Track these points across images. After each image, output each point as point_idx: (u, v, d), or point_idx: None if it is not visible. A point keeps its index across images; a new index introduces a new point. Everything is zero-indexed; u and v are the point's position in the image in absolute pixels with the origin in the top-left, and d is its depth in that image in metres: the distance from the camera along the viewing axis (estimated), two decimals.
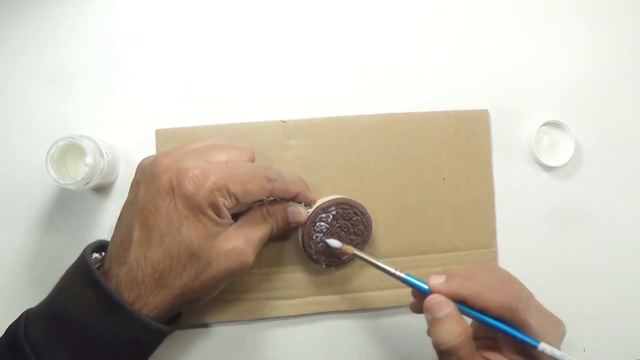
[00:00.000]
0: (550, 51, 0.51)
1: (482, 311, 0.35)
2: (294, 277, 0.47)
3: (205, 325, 0.47)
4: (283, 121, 0.47)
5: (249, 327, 0.47)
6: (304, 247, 0.44)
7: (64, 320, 0.36)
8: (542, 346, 0.34)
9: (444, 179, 0.49)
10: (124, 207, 0.40)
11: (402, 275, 0.38)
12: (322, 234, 0.44)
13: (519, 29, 0.51)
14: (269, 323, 0.47)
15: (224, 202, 0.37)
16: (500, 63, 0.51)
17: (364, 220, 0.45)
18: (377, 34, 0.50)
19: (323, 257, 0.45)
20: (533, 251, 0.50)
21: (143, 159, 0.40)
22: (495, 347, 0.37)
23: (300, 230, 0.44)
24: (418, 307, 0.38)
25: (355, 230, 0.45)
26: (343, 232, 0.45)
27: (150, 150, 0.47)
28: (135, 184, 0.39)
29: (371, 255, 0.40)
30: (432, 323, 0.35)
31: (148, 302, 0.36)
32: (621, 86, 0.52)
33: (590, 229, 0.51)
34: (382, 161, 0.48)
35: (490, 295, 0.35)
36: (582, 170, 0.51)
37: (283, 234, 0.45)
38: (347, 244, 0.44)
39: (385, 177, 0.48)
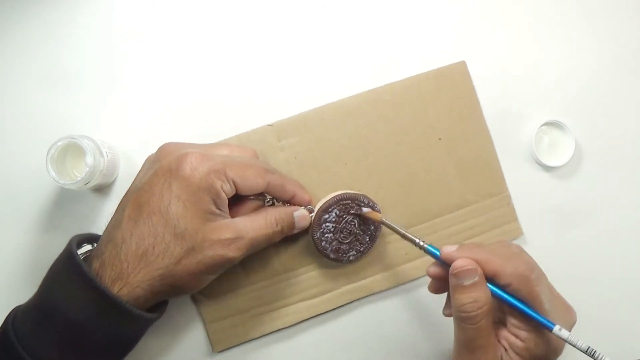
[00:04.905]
0: (550, 51, 0.51)
1: (494, 278, 0.35)
2: (316, 274, 0.47)
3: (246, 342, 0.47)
4: (269, 125, 0.47)
5: (289, 332, 0.47)
6: (319, 251, 0.44)
7: (49, 309, 0.36)
8: (558, 329, 0.33)
9: (440, 139, 0.48)
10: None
11: (425, 245, 0.38)
12: (331, 234, 0.44)
13: (519, 29, 0.51)
14: (304, 325, 0.48)
15: (222, 186, 0.38)
16: (500, 63, 0.51)
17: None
18: (376, 29, 0.50)
19: (340, 255, 0.45)
20: (532, 251, 0.49)
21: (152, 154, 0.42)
22: (500, 323, 0.37)
23: (310, 235, 0.44)
24: (436, 287, 0.39)
25: (365, 220, 0.45)
26: (353, 227, 0.44)
27: (150, 151, 0.47)
28: (140, 171, 0.41)
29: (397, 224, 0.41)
30: (458, 289, 0.35)
31: (129, 281, 0.36)
32: (621, 86, 0.52)
33: (590, 229, 0.51)
34: (374, 138, 0.48)
35: (502, 262, 0.35)
36: (582, 170, 0.51)
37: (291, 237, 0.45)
38: (376, 218, 0.44)
39: (382, 153, 0.48)
